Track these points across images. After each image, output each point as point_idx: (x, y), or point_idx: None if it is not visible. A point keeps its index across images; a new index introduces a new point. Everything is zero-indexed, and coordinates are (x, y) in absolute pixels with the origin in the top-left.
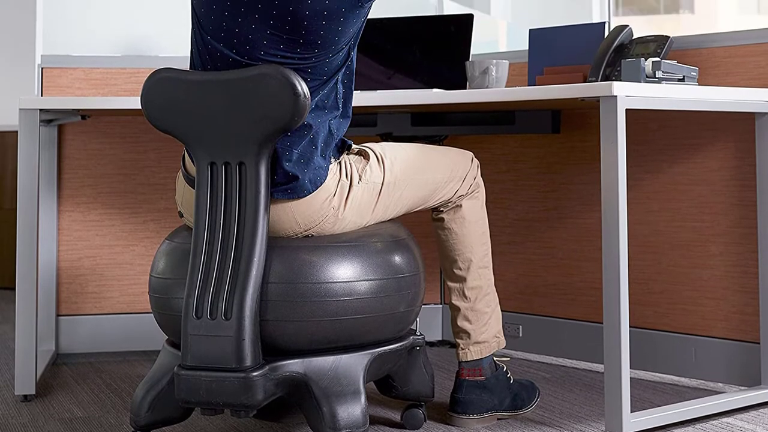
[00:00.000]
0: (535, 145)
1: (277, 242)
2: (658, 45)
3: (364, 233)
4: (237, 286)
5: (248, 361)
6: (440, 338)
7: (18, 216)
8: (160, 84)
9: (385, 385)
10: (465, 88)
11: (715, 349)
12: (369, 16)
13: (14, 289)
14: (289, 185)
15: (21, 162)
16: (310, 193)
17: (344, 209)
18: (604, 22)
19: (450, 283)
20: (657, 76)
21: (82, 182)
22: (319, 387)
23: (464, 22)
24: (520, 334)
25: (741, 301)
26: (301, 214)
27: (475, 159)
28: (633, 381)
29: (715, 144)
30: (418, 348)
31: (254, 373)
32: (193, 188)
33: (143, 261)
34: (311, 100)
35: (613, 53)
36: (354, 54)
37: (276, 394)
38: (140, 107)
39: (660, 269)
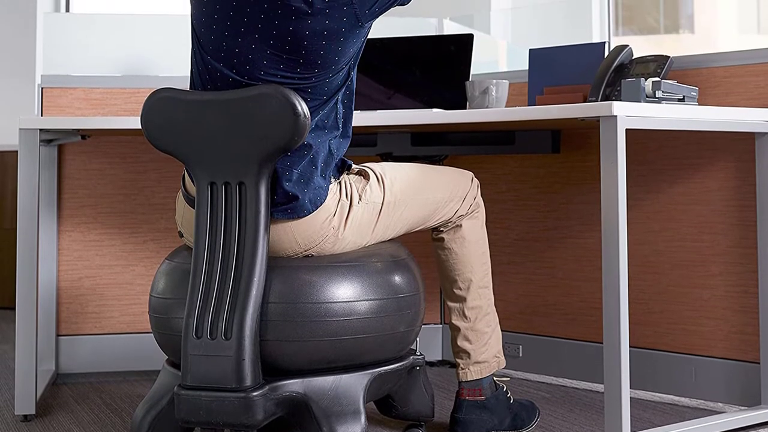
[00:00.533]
0: (535, 165)
1: (277, 262)
2: (658, 65)
3: (364, 253)
4: (237, 306)
5: (248, 381)
6: (440, 358)
7: (18, 236)
8: (160, 104)
9: (385, 405)
10: (465, 108)
11: (715, 369)
12: (369, 36)
13: (14, 308)
14: (289, 205)
15: (21, 182)
16: (310, 213)
17: (344, 229)
18: (604, 42)
19: (450, 303)
20: (657, 96)
21: (82, 202)
22: (319, 407)
23: (464, 42)
24: (520, 354)
25: (741, 321)
26: (301, 234)
27: (475, 179)
28: (633, 401)
29: (715, 164)
30: (418, 368)
31: (254, 393)
32: (193, 208)
33: (143, 281)
34: (311, 120)
35: (613, 73)
36: (354, 74)
37: (276, 414)
38: (140, 127)
39: (660, 289)
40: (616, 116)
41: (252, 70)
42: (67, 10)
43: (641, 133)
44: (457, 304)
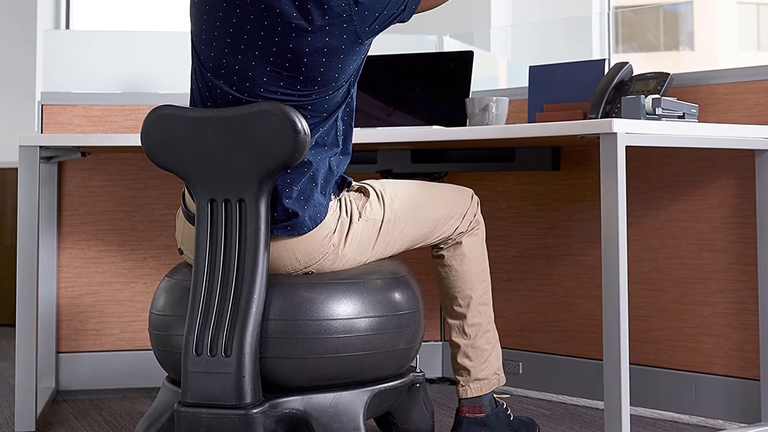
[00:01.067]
0: (535, 182)
1: (277, 279)
2: (658, 82)
3: (364, 270)
4: (237, 323)
5: (248, 398)
6: (440, 375)
7: (18, 253)
8: (160, 121)
9: (385, 422)
10: (465, 125)
11: (715, 386)
12: (369, 53)
13: (14, 325)
14: (289, 222)
15: (21, 199)
16: (310, 230)
17: (344, 246)
18: (604, 59)
19: (450, 320)
20: (657, 113)
21: (82, 219)
22: (319, 424)
23: (464, 59)
24: (520, 371)
25: (741, 338)
26: (301, 251)
27: (475, 196)
28: (633, 418)
29: (715, 181)
30: (418, 385)
31: (254, 410)
32: (193, 225)
33: (143, 298)
34: (311, 137)
35: (613, 90)
36: (354, 91)
37: (276, 431)
38: (140, 144)
39: (660, 306)
40: (616, 133)
41: (252, 87)
42: (68, 27)
43: (641, 150)
44: (457, 321)
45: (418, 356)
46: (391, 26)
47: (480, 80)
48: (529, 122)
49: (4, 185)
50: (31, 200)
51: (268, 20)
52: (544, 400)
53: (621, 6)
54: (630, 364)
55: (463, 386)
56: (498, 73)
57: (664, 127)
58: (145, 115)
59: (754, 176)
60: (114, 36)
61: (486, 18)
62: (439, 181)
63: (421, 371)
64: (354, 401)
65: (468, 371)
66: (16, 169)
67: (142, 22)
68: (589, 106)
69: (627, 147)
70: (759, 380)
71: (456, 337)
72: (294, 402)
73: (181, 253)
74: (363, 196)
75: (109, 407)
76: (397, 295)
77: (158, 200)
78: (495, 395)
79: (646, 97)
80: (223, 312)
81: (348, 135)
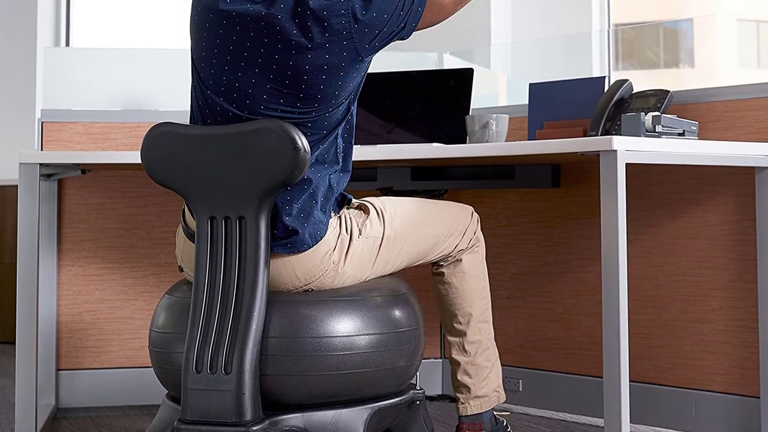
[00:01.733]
0: (535, 200)
1: (277, 296)
2: (658, 99)
3: (364, 287)
4: (237, 341)
5: (248, 416)
6: (440, 392)
7: (18, 270)
8: (160, 138)
9: None
10: (465, 143)
11: (715, 404)
12: (369, 71)
13: (14, 343)
14: (289, 239)
15: (21, 216)
16: (310, 247)
17: (344, 264)
18: (604, 77)
19: (450, 338)
20: (657, 130)
21: (82, 236)
22: None
23: (464, 77)
24: (520, 389)
25: (741, 355)
26: (301, 268)
27: (475, 213)
28: None
29: (715, 198)
30: (418, 402)
31: (254, 428)
32: (193, 242)
33: (143, 315)
34: (311, 155)
35: (613, 107)
36: (354, 108)
37: None
38: (140, 161)
39: (660, 323)
40: (616, 151)
41: (252, 104)
42: (68, 44)
43: (641, 167)
44: (457, 339)
45: (418, 373)
46: (391, 43)
47: (480, 97)
48: (529, 139)
49: (4, 202)
50: (31, 217)
51: (268, 37)
52: (544, 417)
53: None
54: (630, 381)
55: (463, 403)
56: (498, 90)
57: (664, 144)
58: (145, 133)
59: (754, 193)
60: (114, 53)
61: (486, 35)
62: (440, 199)
63: (421, 388)
64: (354, 419)
65: (468, 388)
66: (16, 186)
67: (143, 39)
68: (589, 124)
69: (627, 164)
70: (759, 397)
71: (456, 355)
72: (294, 419)
73: (181, 270)
74: (363, 214)
75: (109, 425)
76: (397, 313)
77: (158, 218)
78: (495, 413)
79: (646, 114)
80: (223, 329)
81: (348, 152)
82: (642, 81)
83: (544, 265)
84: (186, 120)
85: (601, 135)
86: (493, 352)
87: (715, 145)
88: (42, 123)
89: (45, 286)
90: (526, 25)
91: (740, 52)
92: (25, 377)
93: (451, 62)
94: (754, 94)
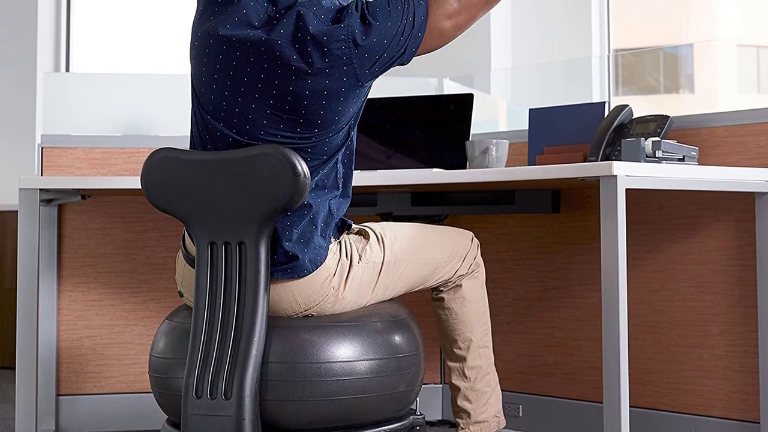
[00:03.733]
0: (535, 225)
1: (277, 322)
2: (658, 124)
3: (363, 313)
4: (237, 366)
5: None
6: (440, 418)
7: (18, 295)
8: (160, 163)
9: None
10: (465, 168)
11: (715, 429)
12: (369, 96)
13: (14, 368)
14: (289, 265)
15: (21, 241)
16: (310, 272)
17: (344, 289)
18: (604, 102)
19: (450, 363)
20: (657, 155)
21: (82, 262)
22: None
23: (464, 102)
24: (520, 414)
25: (741, 380)
26: (301, 293)
27: (475, 239)
28: None
29: (715, 223)
30: (418, 428)
31: None
32: (193, 268)
33: (143, 340)
34: (311, 180)
35: (613, 133)
36: (354, 134)
37: None
38: (140, 187)
39: (660, 349)
40: (616, 176)
41: (252, 129)
42: (67, 69)
43: (641, 192)
44: (457, 364)
45: (418, 399)
46: (391, 69)
47: (480, 123)
48: (529, 165)
49: (4, 228)
50: (31, 243)
51: (268, 63)
52: None
53: (621, 48)
54: (630, 406)
55: (463, 429)
56: (498, 115)
57: (664, 169)
58: (145, 158)
59: (754, 219)
60: (114, 78)
61: (486, 60)
62: (440, 224)
63: (421, 414)
64: None
65: (468, 414)
66: (16, 211)
67: (143, 64)
68: (589, 149)
69: (627, 189)
70: (759, 423)
71: (456, 380)
72: None
73: (181, 295)
74: (363, 239)
75: None
76: (397, 338)
77: (158, 243)
78: None
79: (646, 139)
80: (223, 355)
81: (348, 177)
82: (642, 106)
83: (544, 290)
84: (186, 145)
85: (601, 160)
86: (494, 378)
87: (715, 171)
88: (42, 148)
89: (45, 312)
90: (526, 50)
91: (740, 77)
92: (25, 402)
93: (451, 87)
94: (755, 120)
